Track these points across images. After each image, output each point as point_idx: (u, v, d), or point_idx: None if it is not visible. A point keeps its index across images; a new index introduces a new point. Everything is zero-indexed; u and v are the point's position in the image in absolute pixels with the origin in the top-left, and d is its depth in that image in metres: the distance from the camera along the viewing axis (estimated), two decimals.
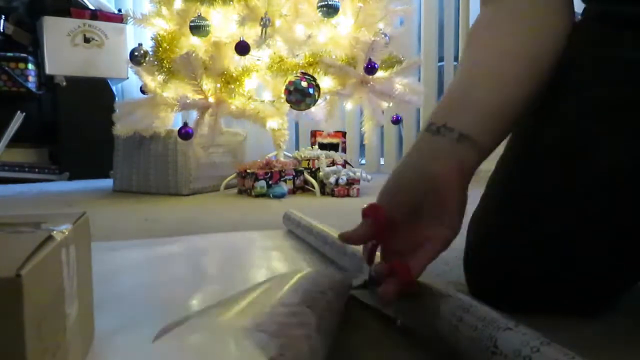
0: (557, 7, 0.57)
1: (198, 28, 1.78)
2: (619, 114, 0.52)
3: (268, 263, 0.83)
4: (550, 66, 0.55)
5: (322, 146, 2.27)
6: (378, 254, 0.54)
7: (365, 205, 0.50)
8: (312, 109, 1.81)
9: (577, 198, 0.52)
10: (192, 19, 1.78)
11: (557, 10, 0.57)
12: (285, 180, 1.91)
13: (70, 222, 0.36)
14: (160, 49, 1.86)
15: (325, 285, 0.47)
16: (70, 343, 0.35)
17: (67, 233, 0.34)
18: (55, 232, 0.33)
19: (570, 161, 0.53)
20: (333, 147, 2.28)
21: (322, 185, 1.93)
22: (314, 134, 2.35)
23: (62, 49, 2.56)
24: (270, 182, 1.86)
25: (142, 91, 2.05)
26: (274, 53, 1.83)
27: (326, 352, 0.39)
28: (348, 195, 1.87)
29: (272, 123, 1.90)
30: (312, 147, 2.27)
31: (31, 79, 2.54)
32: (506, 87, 0.53)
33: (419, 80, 2.93)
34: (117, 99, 2.73)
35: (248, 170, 1.90)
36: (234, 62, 1.81)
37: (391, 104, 1.97)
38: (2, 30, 2.52)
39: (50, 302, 0.30)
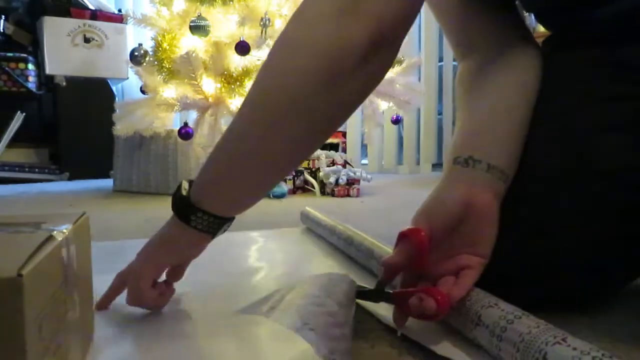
0: (527, 48, 0.63)
1: (198, 28, 1.78)
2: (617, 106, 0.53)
3: (269, 262, 0.83)
4: (536, 91, 0.59)
5: (322, 146, 2.27)
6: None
7: (404, 229, 0.50)
8: None
9: (576, 190, 0.53)
10: (192, 19, 1.78)
11: (528, 49, 0.63)
12: (285, 180, 1.91)
13: (70, 222, 0.36)
14: (160, 49, 1.86)
15: (340, 293, 0.48)
16: (71, 343, 0.35)
17: (67, 233, 0.34)
18: (55, 232, 0.33)
19: (569, 153, 0.54)
20: (333, 147, 2.28)
21: (322, 185, 1.93)
22: None
23: (62, 49, 2.56)
24: None
25: (142, 91, 2.05)
26: None
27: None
28: (348, 195, 1.87)
29: None
30: None
31: (31, 79, 2.54)
32: (512, 111, 0.57)
33: (419, 80, 2.93)
34: (117, 99, 2.73)
35: None
36: (234, 62, 1.81)
37: (391, 104, 1.97)
38: (2, 30, 2.52)
39: (51, 302, 0.30)
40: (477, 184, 0.51)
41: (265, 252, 0.92)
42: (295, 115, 0.47)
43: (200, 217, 0.51)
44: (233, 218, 0.54)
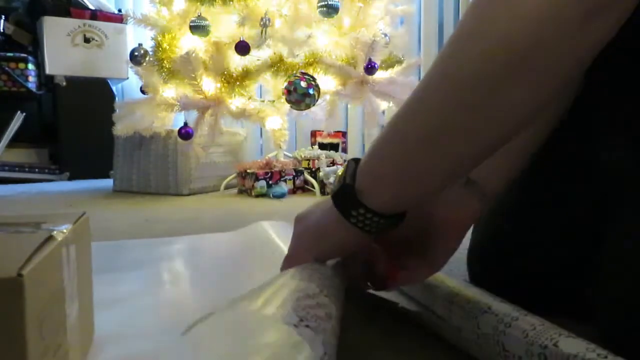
0: None
1: (198, 28, 1.78)
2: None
3: (269, 261, 0.83)
4: (556, 112, 0.55)
5: (322, 146, 2.27)
6: None
7: None
8: (312, 108, 1.81)
9: (578, 205, 0.53)
10: (192, 19, 1.78)
11: None
12: (285, 180, 1.91)
13: (70, 222, 0.36)
14: (160, 49, 1.86)
15: (328, 271, 0.48)
16: (71, 343, 0.35)
17: (67, 233, 0.34)
18: (55, 232, 0.33)
19: (577, 170, 0.54)
20: (333, 147, 2.28)
21: (322, 185, 1.93)
22: (314, 134, 2.35)
23: (62, 49, 2.56)
24: (270, 182, 1.86)
25: (142, 91, 2.05)
26: (274, 53, 1.83)
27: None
28: None
29: (272, 123, 1.90)
30: (312, 147, 2.27)
31: (31, 79, 2.54)
32: None
33: (419, 80, 2.93)
34: (117, 99, 2.73)
35: (248, 170, 1.90)
36: (234, 62, 1.81)
37: (391, 104, 1.97)
38: (2, 30, 2.52)
39: (51, 302, 0.31)
40: (451, 200, 0.49)
41: (267, 251, 0.92)
42: (521, 72, 0.35)
43: (362, 214, 0.43)
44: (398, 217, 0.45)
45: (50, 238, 0.31)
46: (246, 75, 1.80)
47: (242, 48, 1.73)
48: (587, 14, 0.33)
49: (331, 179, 1.88)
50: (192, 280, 0.70)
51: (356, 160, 0.46)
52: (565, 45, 0.34)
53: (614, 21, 0.35)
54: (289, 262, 0.49)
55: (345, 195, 0.44)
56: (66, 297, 0.34)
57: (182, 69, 1.74)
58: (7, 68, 2.47)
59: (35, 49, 2.61)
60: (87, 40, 2.61)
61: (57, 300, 0.32)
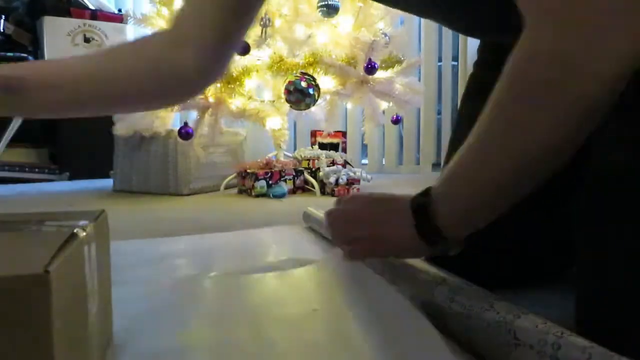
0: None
1: None
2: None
3: (270, 261, 0.84)
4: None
5: (322, 146, 2.28)
6: None
7: None
8: (312, 108, 1.81)
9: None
10: None
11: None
12: (285, 180, 1.92)
13: (90, 220, 0.37)
14: None
15: None
16: (92, 338, 0.35)
17: (88, 230, 0.35)
18: (77, 229, 0.33)
19: None
20: (333, 147, 2.29)
21: (322, 185, 1.94)
22: (314, 134, 2.36)
23: (62, 49, 2.56)
24: (270, 182, 1.87)
25: None
26: (274, 53, 1.83)
27: None
28: None
29: (272, 123, 1.91)
30: (312, 147, 2.28)
31: None
32: None
33: (419, 80, 2.95)
34: None
35: (248, 170, 1.91)
36: (234, 62, 1.82)
37: (391, 104, 1.98)
38: (2, 30, 2.51)
39: (75, 298, 0.31)
40: None
41: (271, 250, 0.93)
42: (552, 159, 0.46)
43: (444, 243, 0.52)
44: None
45: (73, 235, 0.32)
46: (246, 74, 1.81)
47: (242, 48, 1.73)
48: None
49: (331, 179, 1.88)
50: (192, 280, 0.70)
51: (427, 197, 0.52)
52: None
53: None
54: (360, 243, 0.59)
55: (432, 233, 0.51)
56: (87, 293, 0.34)
57: None
58: None
59: (36, 49, 2.60)
60: (87, 40, 2.61)
61: (79, 296, 0.33)
